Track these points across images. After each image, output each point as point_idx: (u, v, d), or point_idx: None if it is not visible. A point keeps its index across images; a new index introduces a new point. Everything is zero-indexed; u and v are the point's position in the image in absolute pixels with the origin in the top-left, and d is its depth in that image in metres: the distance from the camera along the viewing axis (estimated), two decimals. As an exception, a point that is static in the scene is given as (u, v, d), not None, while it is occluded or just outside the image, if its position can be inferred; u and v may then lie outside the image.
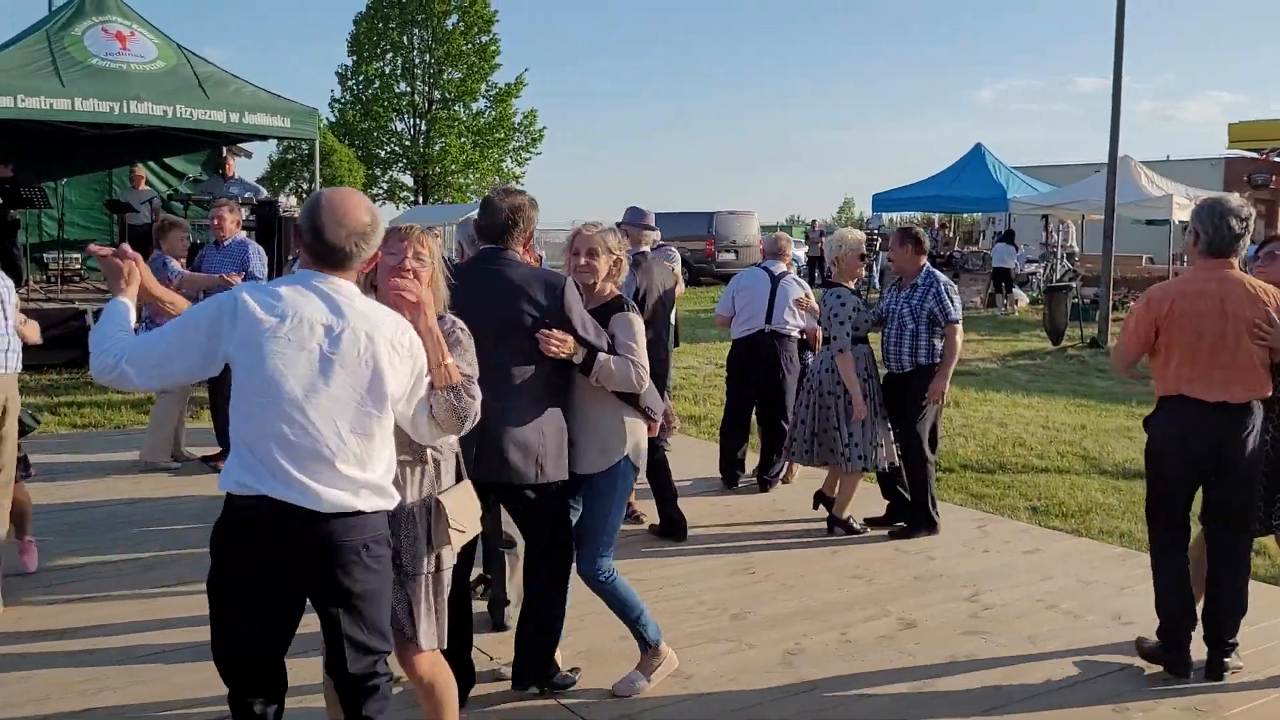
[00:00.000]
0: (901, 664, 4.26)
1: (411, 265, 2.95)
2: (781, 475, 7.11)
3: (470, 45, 38.53)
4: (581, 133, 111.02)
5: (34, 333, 5.07)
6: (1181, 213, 17.05)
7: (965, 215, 32.55)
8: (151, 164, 14.61)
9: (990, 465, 7.95)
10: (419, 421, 2.80)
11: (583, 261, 3.82)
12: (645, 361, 3.77)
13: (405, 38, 38.54)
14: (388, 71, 39.03)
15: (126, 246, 2.79)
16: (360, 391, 2.60)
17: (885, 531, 6.07)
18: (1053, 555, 5.76)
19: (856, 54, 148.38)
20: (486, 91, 39.57)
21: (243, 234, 7.46)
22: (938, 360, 5.87)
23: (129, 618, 4.62)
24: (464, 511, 3.08)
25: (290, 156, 34.09)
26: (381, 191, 40.30)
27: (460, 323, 3.15)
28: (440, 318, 3.00)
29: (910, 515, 6.05)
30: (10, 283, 4.90)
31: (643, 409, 3.84)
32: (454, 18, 38.15)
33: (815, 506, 6.27)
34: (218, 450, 7.27)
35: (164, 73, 12.17)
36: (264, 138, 13.79)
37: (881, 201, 24.97)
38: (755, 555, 5.67)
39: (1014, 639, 4.54)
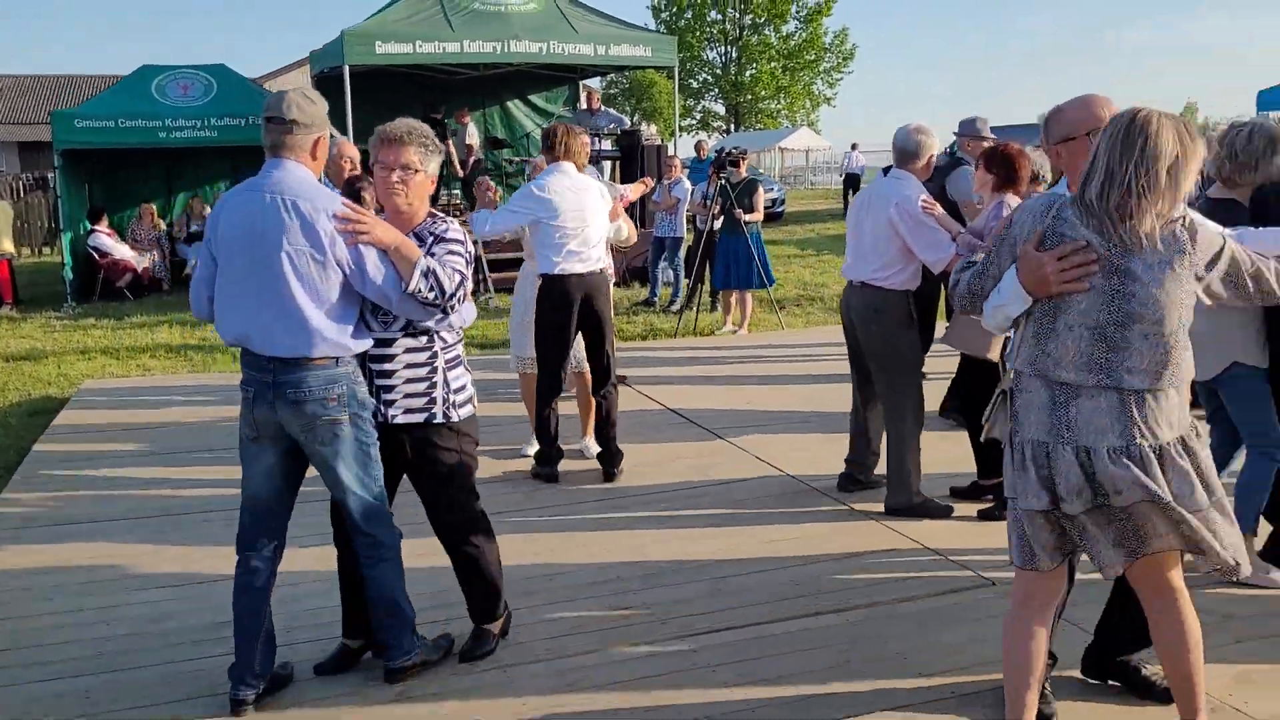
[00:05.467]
0: None
1: None
2: None
3: (780, -35, 37.79)
4: (901, 46, 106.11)
5: None
6: None
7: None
8: (518, 102, 15.44)
9: None
10: None
11: None
12: None
13: (715, -36, 38.40)
14: (700, 0, 39.14)
15: None
16: None
17: None
18: None
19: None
20: (796, 13, 38.90)
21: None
22: None
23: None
24: None
25: (612, 91, 35.18)
26: (695, 121, 40.69)
27: None
28: None
29: None
30: None
31: None
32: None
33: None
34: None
35: (537, 12, 12.72)
36: (627, 68, 14.10)
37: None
38: None
39: None
